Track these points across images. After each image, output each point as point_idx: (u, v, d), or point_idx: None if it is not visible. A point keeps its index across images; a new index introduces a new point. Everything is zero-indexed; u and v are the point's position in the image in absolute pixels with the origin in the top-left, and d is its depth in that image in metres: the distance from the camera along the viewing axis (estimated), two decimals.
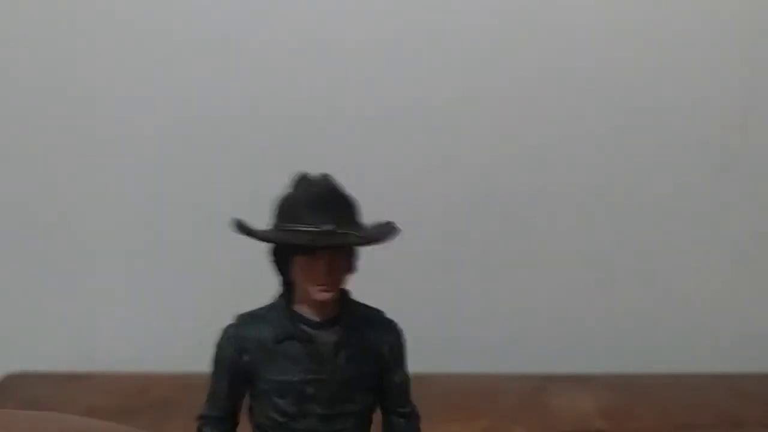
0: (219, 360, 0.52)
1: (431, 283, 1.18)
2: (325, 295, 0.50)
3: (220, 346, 0.52)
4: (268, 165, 1.11)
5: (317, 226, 0.48)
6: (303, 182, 0.52)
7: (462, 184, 1.18)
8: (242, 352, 0.51)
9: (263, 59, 1.15)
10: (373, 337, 0.52)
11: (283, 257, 0.51)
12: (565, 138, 1.19)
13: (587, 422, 0.98)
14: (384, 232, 0.52)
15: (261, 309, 0.53)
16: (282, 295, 0.53)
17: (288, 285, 0.52)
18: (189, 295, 1.16)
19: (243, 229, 0.51)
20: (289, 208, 0.51)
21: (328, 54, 1.15)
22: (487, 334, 1.19)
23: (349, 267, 0.52)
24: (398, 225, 0.52)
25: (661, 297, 1.22)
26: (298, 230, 0.49)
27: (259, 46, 1.15)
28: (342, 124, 1.15)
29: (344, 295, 0.53)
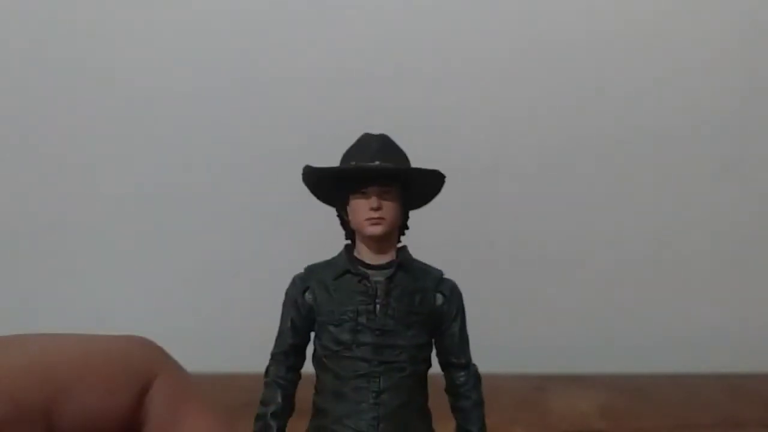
0: (285, 302, 0.58)
1: None
2: (376, 228, 0.55)
3: (288, 291, 0.58)
4: (269, 165, 1.11)
5: (365, 162, 0.55)
6: (361, 137, 0.58)
7: (463, 185, 1.18)
8: (305, 292, 0.57)
9: (264, 58, 1.15)
10: (425, 285, 0.57)
11: (342, 204, 0.57)
12: (566, 138, 1.19)
13: (587, 422, 0.98)
14: (426, 171, 0.57)
15: (327, 260, 0.58)
16: (346, 246, 0.58)
17: (352, 236, 0.58)
18: (189, 296, 1.17)
19: (305, 172, 0.56)
20: (344, 156, 0.58)
21: (327, 53, 1.16)
22: (487, 334, 1.18)
23: (399, 207, 0.56)
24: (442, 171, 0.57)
25: (661, 297, 1.22)
26: (348, 164, 0.56)
27: (259, 45, 1.15)
28: (342, 123, 1.15)
29: (402, 248, 0.58)
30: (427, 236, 1.14)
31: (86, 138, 1.17)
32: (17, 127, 1.17)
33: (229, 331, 1.03)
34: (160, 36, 1.16)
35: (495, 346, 1.18)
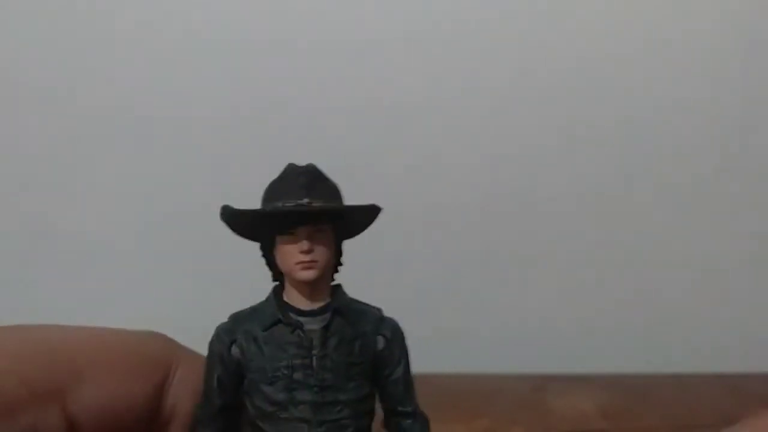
0: (209, 357, 0.52)
1: (431, 284, 1.18)
2: (308, 273, 0.49)
3: (211, 343, 0.52)
4: (270, 166, 1.11)
5: (293, 201, 0.49)
6: (286, 168, 0.52)
7: (463, 185, 1.19)
8: (231, 345, 0.51)
9: (264, 59, 1.15)
10: (365, 329, 0.51)
11: (269, 246, 0.51)
12: (566, 139, 1.19)
13: (587, 422, 0.98)
14: (358, 206, 0.51)
15: (252, 306, 0.53)
16: (274, 289, 0.53)
17: (281, 279, 0.53)
18: (189, 296, 1.17)
19: (223, 212, 0.51)
20: (268, 191, 0.52)
21: (327, 54, 1.16)
22: (487, 335, 1.19)
23: (331, 247, 0.51)
24: (379, 205, 0.51)
25: (661, 297, 1.22)
26: (274, 205, 0.50)
27: (260, 46, 1.15)
28: (343, 125, 1.15)
29: (336, 288, 0.52)
30: (425, 235, 1.15)
31: (86, 138, 1.17)
32: (20, 128, 1.17)
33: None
34: (163, 34, 1.16)
35: (495, 346, 1.19)
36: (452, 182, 1.18)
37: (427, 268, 1.18)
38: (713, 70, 1.19)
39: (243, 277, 1.06)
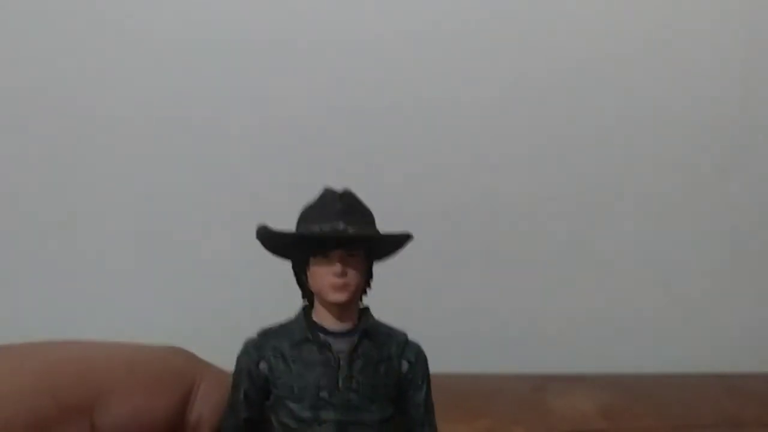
0: (237, 371, 0.53)
1: (433, 285, 1.18)
2: (340, 296, 0.51)
3: (239, 359, 0.53)
4: (272, 167, 1.12)
5: (329, 225, 0.51)
6: (323, 193, 0.54)
7: (464, 187, 1.19)
8: (259, 361, 0.53)
9: (274, 61, 1.15)
10: (390, 352, 0.53)
11: (302, 266, 0.53)
12: (566, 140, 1.19)
13: (587, 422, 0.99)
14: (392, 235, 0.53)
15: (283, 322, 0.55)
16: (304, 308, 0.55)
17: (311, 298, 0.54)
18: (190, 297, 1.17)
19: (260, 232, 0.53)
20: (305, 214, 0.53)
21: (327, 54, 1.16)
22: (488, 335, 1.19)
23: (363, 271, 0.53)
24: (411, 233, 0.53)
25: (660, 297, 1.22)
26: (311, 229, 0.52)
27: (269, 48, 1.15)
28: (344, 129, 1.15)
29: (364, 310, 0.54)
30: (427, 237, 1.15)
31: (90, 139, 1.17)
32: (21, 129, 1.17)
33: (229, 332, 1.03)
34: (165, 35, 1.16)
35: (496, 346, 1.19)
36: (453, 183, 1.18)
37: (428, 269, 1.17)
38: (712, 71, 1.19)
39: (243, 278, 1.06)
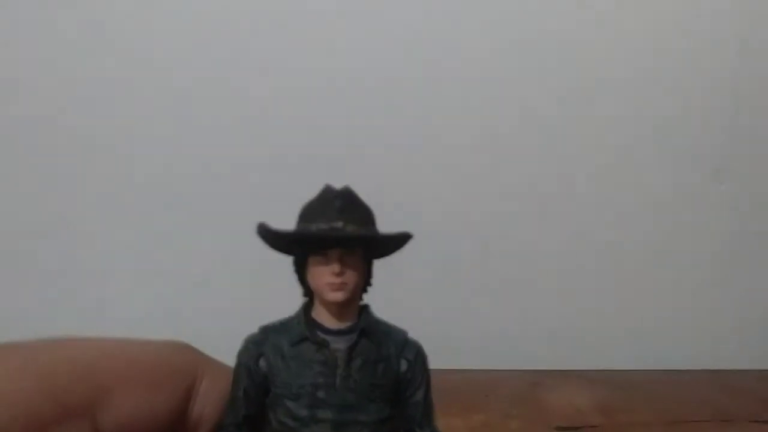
0: (237, 367, 0.53)
1: (431, 282, 1.19)
2: (337, 295, 0.50)
3: (239, 355, 0.53)
4: (272, 166, 1.12)
5: (327, 224, 0.50)
6: (323, 190, 0.53)
7: (463, 186, 1.19)
8: (259, 359, 0.52)
9: (274, 61, 1.16)
10: (389, 351, 0.52)
11: (302, 263, 0.52)
12: (565, 140, 1.20)
13: (582, 417, 0.99)
14: (391, 234, 0.52)
15: (282, 319, 0.54)
16: (303, 306, 0.54)
17: (311, 295, 0.53)
18: (189, 298, 1.17)
19: (260, 231, 0.51)
20: (305, 212, 0.52)
21: (326, 54, 1.16)
22: (484, 332, 1.19)
23: (362, 270, 0.52)
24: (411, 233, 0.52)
25: (654, 295, 1.23)
26: (309, 227, 0.50)
27: (269, 48, 1.16)
28: (344, 131, 1.16)
29: (363, 308, 0.53)
30: (426, 235, 1.15)
31: (85, 137, 1.17)
32: (24, 130, 1.17)
33: (229, 332, 1.03)
34: (165, 33, 1.16)
35: (492, 343, 1.19)
36: (454, 185, 1.19)
37: (425, 265, 1.18)
38: (705, 76, 1.20)
39: (244, 279, 1.06)
